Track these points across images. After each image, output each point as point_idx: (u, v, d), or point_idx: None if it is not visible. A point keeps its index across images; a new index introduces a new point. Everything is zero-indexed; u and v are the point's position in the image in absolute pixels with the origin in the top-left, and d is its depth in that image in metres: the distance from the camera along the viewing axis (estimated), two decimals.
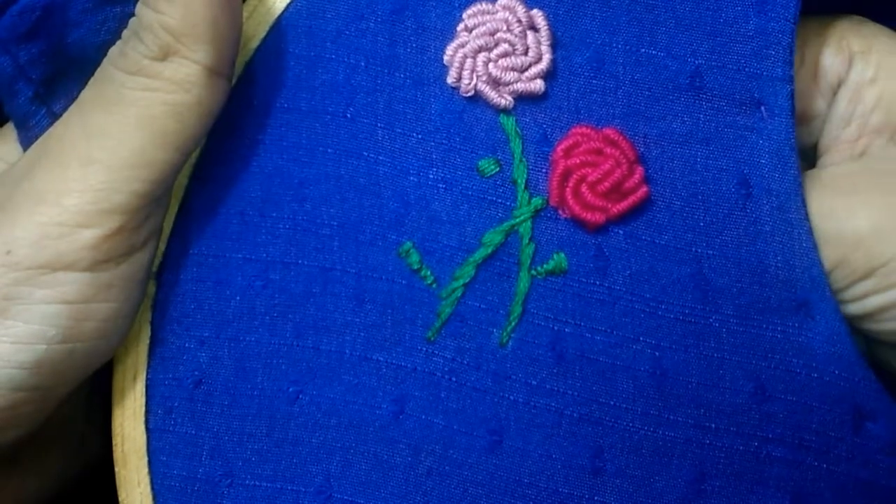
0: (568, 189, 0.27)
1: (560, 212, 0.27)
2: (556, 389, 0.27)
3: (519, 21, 0.27)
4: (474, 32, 0.27)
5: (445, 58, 0.27)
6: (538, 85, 0.27)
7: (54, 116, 0.27)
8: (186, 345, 0.28)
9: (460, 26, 0.27)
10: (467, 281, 0.27)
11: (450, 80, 0.27)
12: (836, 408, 0.26)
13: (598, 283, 0.27)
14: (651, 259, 0.27)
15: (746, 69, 0.27)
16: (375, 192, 0.28)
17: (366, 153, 0.28)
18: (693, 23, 0.27)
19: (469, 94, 0.27)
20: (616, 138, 0.27)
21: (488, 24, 0.27)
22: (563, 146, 0.27)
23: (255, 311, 0.28)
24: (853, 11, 0.29)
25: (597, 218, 0.27)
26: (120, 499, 0.28)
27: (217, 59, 0.25)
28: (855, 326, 0.27)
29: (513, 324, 0.27)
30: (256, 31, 0.28)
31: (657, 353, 0.27)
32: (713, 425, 0.27)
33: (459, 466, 0.27)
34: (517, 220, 0.27)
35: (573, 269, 0.27)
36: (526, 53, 0.27)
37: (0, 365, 0.25)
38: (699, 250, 0.27)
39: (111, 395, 0.29)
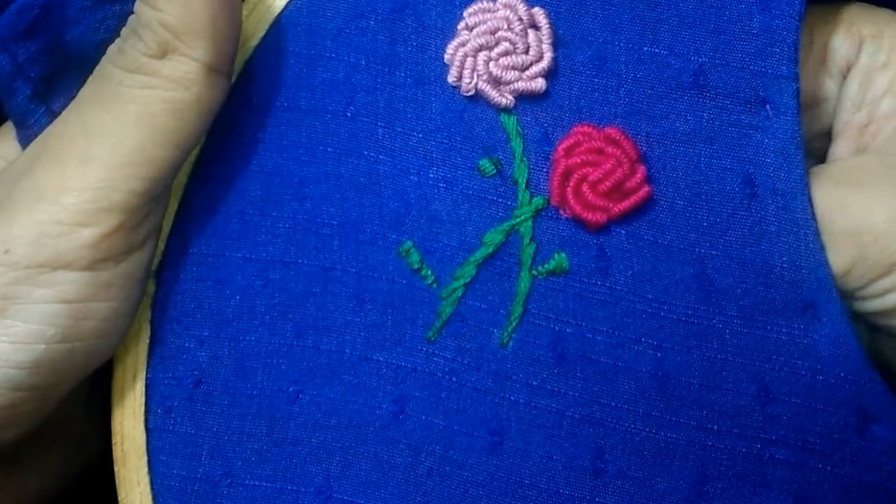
0: (569, 188, 0.26)
1: (561, 211, 0.27)
2: (557, 390, 0.27)
3: (520, 19, 0.27)
4: (475, 31, 0.27)
5: (446, 56, 0.27)
6: (539, 84, 0.27)
7: (53, 115, 0.27)
8: (186, 344, 0.28)
9: (461, 25, 0.27)
10: (468, 281, 0.27)
11: (450, 78, 0.27)
12: (841, 410, 0.26)
13: (599, 283, 0.27)
14: (653, 259, 0.27)
15: (751, 67, 0.27)
16: (376, 191, 0.28)
17: (366, 152, 0.28)
18: (696, 20, 0.27)
19: (470, 93, 0.27)
20: (618, 137, 0.27)
21: (489, 23, 0.27)
22: (564, 145, 0.27)
23: (254, 311, 0.28)
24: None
25: (598, 218, 0.26)
26: (119, 498, 0.28)
27: (216, 56, 0.25)
28: (873, 323, 0.26)
29: (514, 324, 0.27)
30: (256, 29, 0.28)
31: (659, 354, 0.26)
32: (716, 427, 0.26)
33: (460, 467, 0.27)
34: (518, 219, 0.27)
35: (574, 269, 0.27)
36: (527, 52, 0.27)
37: None
38: (702, 250, 0.26)
39: (111, 395, 0.29)
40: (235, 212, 0.28)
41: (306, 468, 0.28)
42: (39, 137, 0.27)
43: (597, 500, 0.27)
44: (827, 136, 0.29)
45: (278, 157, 0.28)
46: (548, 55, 0.27)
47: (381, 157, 0.28)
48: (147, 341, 0.28)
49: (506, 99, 0.27)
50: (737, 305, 0.26)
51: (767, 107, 0.27)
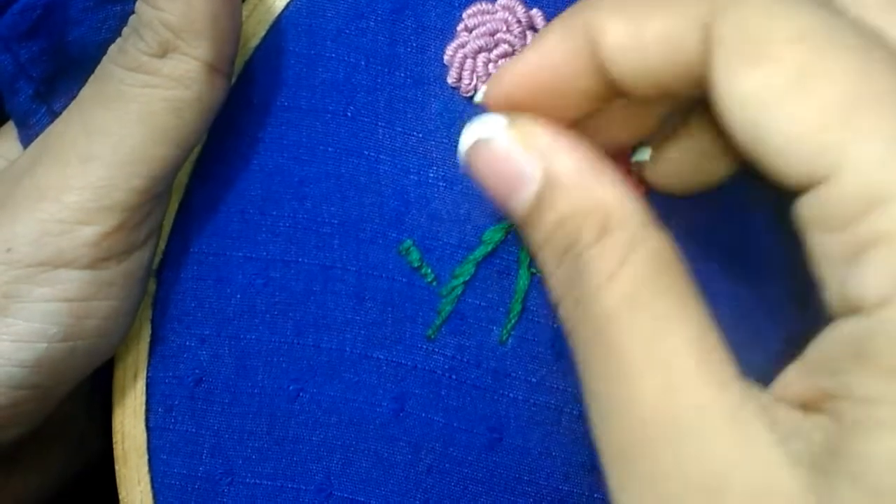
0: None
1: None
2: (555, 387, 0.27)
3: (519, 21, 0.27)
4: (474, 33, 0.27)
5: (445, 58, 0.28)
6: None
7: (54, 115, 0.27)
8: (187, 343, 0.28)
9: (460, 26, 0.28)
10: (467, 279, 0.27)
11: (450, 80, 0.27)
12: None
13: None
14: None
15: None
16: (376, 190, 0.28)
17: (366, 152, 0.28)
18: None
19: (469, 94, 0.27)
20: None
21: (488, 25, 0.27)
22: None
23: (255, 310, 0.28)
24: None
25: None
26: (120, 497, 0.28)
27: (216, 55, 0.25)
28: None
29: (513, 321, 0.27)
30: (256, 29, 0.28)
31: None
32: None
33: (459, 464, 0.27)
34: None
35: None
36: None
37: (0, 363, 0.24)
38: (699, 244, 0.27)
39: (111, 394, 0.29)
40: (236, 211, 0.28)
41: (307, 466, 0.28)
42: (41, 137, 0.27)
43: (595, 496, 0.27)
44: None
45: (279, 156, 0.28)
46: None
47: (381, 156, 0.28)
48: (148, 340, 0.28)
49: None
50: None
51: None
